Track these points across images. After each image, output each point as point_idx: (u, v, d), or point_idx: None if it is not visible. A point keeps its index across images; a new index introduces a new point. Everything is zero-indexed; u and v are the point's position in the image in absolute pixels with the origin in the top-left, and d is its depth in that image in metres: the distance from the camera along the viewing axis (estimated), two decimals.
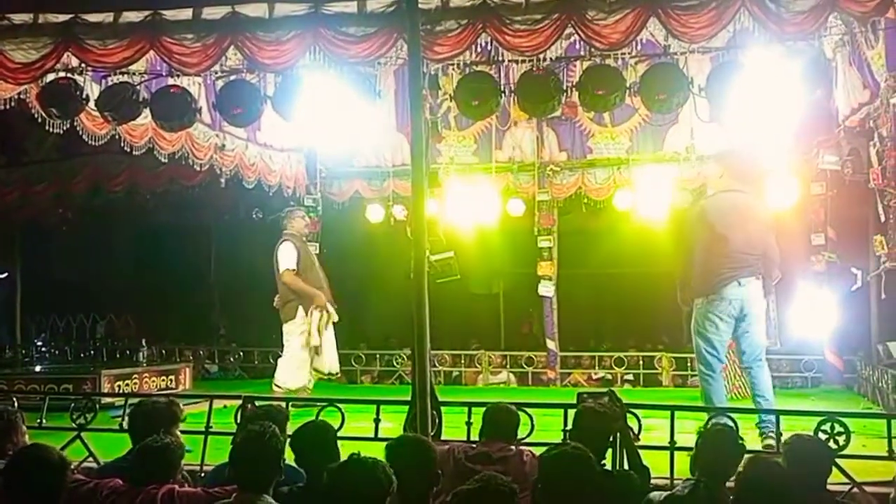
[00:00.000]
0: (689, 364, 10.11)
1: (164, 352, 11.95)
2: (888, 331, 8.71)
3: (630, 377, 10.89)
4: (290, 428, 5.17)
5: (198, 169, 9.07)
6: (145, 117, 7.13)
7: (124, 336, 13.71)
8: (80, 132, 7.43)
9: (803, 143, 9.54)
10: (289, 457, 4.69)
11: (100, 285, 13.69)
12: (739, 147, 7.42)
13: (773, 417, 6.12)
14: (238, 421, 5.65)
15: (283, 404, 5.54)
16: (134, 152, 8.10)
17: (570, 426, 5.30)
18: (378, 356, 11.77)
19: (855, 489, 4.73)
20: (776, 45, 6.03)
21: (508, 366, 11.34)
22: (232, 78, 6.71)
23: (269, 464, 3.83)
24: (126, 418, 5.87)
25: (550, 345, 10.77)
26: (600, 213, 11.16)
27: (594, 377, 11.22)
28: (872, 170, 7.63)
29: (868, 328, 9.68)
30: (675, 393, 9.71)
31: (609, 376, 10.98)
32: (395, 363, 11.57)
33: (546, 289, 10.59)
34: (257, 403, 5.69)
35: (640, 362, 10.85)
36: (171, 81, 6.82)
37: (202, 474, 5.40)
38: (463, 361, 11.38)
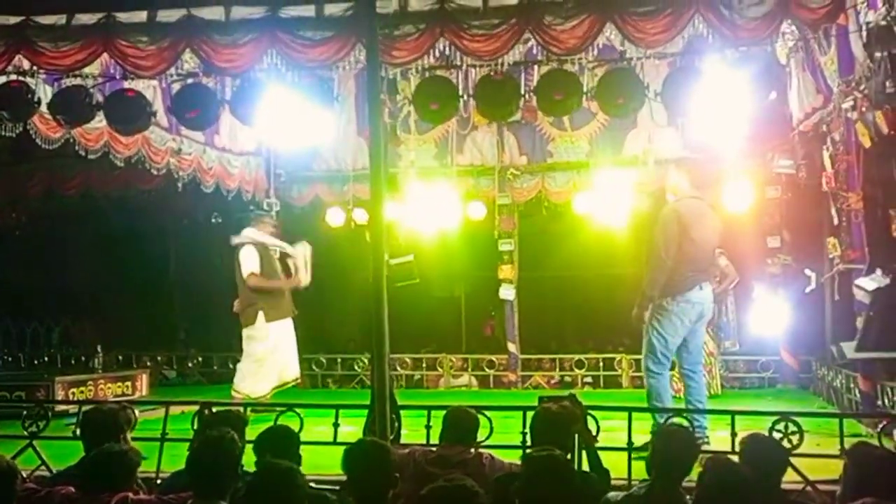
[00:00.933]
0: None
1: (120, 358, 11.79)
2: (842, 331, 8.80)
3: (590, 379, 10.94)
4: (249, 433, 5.19)
5: (155, 173, 8.99)
6: (99, 121, 7.05)
7: (80, 342, 13.47)
8: (34, 135, 7.32)
9: (758, 148, 9.69)
10: (249, 462, 4.70)
11: (55, 291, 13.44)
12: (695, 154, 7.48)
13: (706, 423, 6.23)
14: (195, 427, 5.63)
15: (242, 409, 5.48)
16: (89, 156, 7.99)
17: (525, 428, 5.38)
18: (340, 360, 11.69)
19: (808, 487, 4.80)
20: (730, 51, 6.11)
21: (470, 369, 11.35)
22: (188, 81, 6.63)
23: (227, 470, 3.78)
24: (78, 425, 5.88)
25: (511, 348, 10.82)
26: (560, 217, 11.22)
27: (553, 381, 11.27)
28: (825, 173, 7.76)
29: (822, 329, 9.82)
30: (634, 394, 9.76)
31: (569, 378, 11.03)
32: (356, 367, 11.52)
33: (507, 292, 10.63)
34: (215, 409, 5.67)
35: (601, 364, 10.90)
36: (126, 85, 6.73)
37: (158, 481, 5.35)
38: (424, 365, 11.36)
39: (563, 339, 13.75)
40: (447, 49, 6.01)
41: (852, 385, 7.82)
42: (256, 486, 3.33)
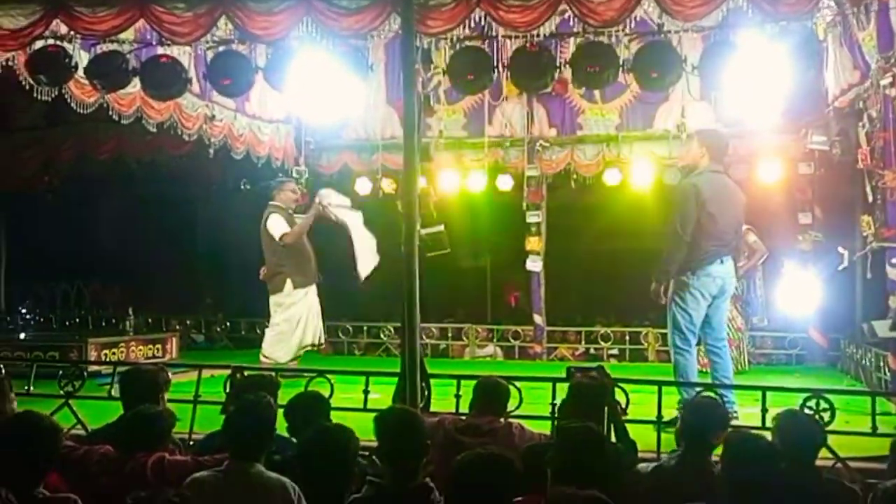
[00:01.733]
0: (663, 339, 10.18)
1: (150, 321, 11.92)
2: (872, 310, 8.75)
3: (615, 352, 10.95)
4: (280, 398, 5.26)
5: (186, 139, 9.04)
6: (134, 86, 7.09)
7: (110, 305, 13.66)
8: (69, 100, 7.38)
9: (792, 124, 9.59)
10: (280, 426, 4.78)
11: (86, 253, 13.57)
12: (716, 127, 7.39)
13: (734, 398, 6.22)
14: (227, 390, 5.71)
15: (274, 374, 5.55)
16: (122, 121, 8.05)
17: (557, 400, 5.41)
18: (365, 328, 11.76)
19: (839, 464, 4.80)
20: (770, 25, 6.02)
21: (495, 340, 11.39)
22: (222, 48, 6.64)
23: (262, 433, 3.85)
24: (115, 386, 5.98)
25: (537, 319, 10.82)
26: (589, 190, 11.17)
27: (578, 353, 11.29)
28: (861, 150, 7.67)
29: (852, 307, 9.77)
30: (660, 368, 9.75)
31: (595, 351, 11.05)
32: (382, 335, 11.59)
33: (534, 264, 10.62)
34: (248, 373, 5.76)
35: (627, 338, 10.90)
36: (160, 51, 6.76)
37: (191, 442, 5.45)
38: (450, 334, 11.40)
39: (587, 311, 13.73)
40: (481, 20, 5.98)
41: (881, 363, 7.78)
42: (312, 446, 3.39)
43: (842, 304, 9.66)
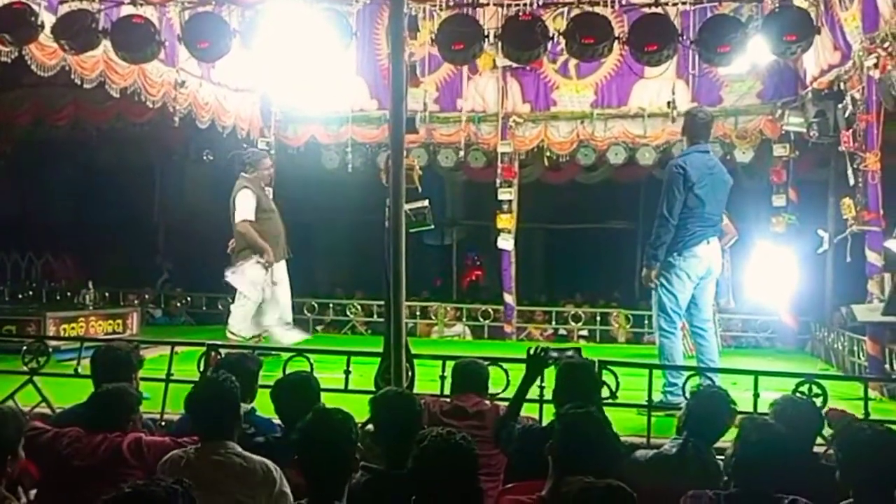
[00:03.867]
0: (645, 321, 10.14)
1: (107, 295, 11.53)
2: (843, 293, 8.82)
3: (585, 333, 10.89)
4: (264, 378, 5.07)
5: (150, 106, 8.68)
6: (100, 48, 6.75)
7: (62, 277, 13.21)
8: (29, 62, 7.00)
9: (769, 104, 9.56)
10: (262, 408, 4.58)
11: (37, 223, 13.14)
12: (700, 106, 7.31)
13: (718, 382, 6.15)
14: (201, 369, 5.49)
15: (254, 352, 5.33)
16: (84, 85, 7.68)
17: (545, 383, 5.27)
18: (331, 306, 11.53)
19: (832, 450, 4.74)
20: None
21: (464, 319, 11.25)
22: (199, 10, 6.33)
23: (228, 412, 3.74)
24: (80, 363, 5.71)
25: (508, 298, 10.68)
26: (562, 167, 11.05)
27: (547, 333, 11.21)
28: (843, 132, 7.64)
29: (822, 291, 9.82)
30: (630, 350, 9.74)
31: (564, 332, 10.97)
32: (348, 313, 11.38)
33: (505, 242, 10.46)
34: (229, 350, 5.55)
35: (597, 318, 10.84)
36: (132, 11, 6.42)
37: (162, 423, 5.24)
38: (417, 313, 11.23)
39: (552, 291, 13.70)
40: None
41: (856, 348, 7.80)
42: (311, 431, 3.25)
43: (812, 287, 9.70)
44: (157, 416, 5.34)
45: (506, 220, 10.47)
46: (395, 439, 3.68)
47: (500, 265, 10.82)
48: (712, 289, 6.58)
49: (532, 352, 4.66)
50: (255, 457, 3.61)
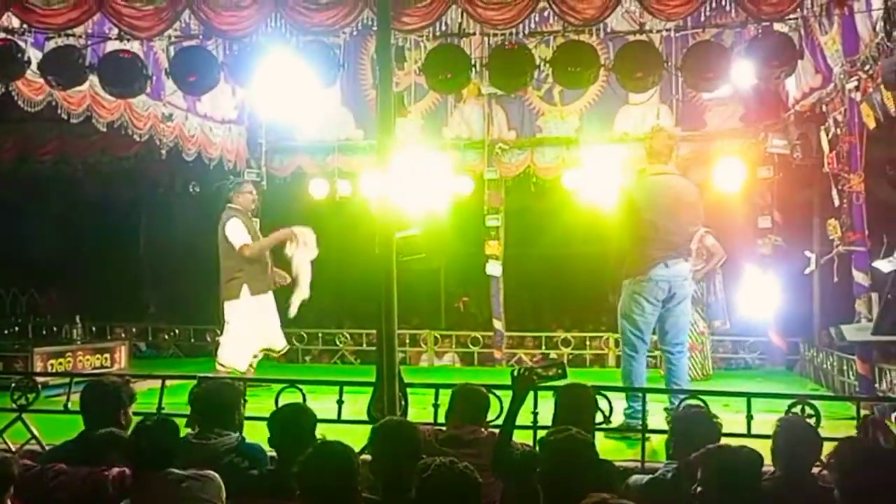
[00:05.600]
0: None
1: (94, 329, 11.45)
2: (830, 314, 8.86)
3: (572, 357, 10.87)
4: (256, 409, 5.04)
5: (137, 139, 8.68)
6: (87, 83, 6.76)
7: (47, 312, 13.09)
8: (15, 97, 7.00)
9: (751, 127, 9.65)
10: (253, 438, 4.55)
11: (21, 258, 13.00)
12: (662, 127, 7.37)
13: None
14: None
15: (234, 382, 5.30)
16: (71, 119, 7.69)
17: (540, 409, 5.27)
18: (320, 335, 11.49)
19: (825, 471, 4.76)
20: (751, 27, 6.01)
21: (454, 346, 11.22)
22: (186, 44, 6.35)
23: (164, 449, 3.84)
24: (70, 398, 5.67)
25: (497, 325, 10.68)
26: (547, 193, 11.09)
27: (537, 359, 11.15)
28: (827, 154, 7.72)
29: (810, 311, 9.86)
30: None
31: (555, 356, 10.93)
32: (337, 342, 11.34)
33: (494, 268, 10.48)
34: (208, 381, 5.52)
35: (586, 343, 10.83)
36: (118, 46, 6.43)
37: None
38: (407, 341, 11.20)
39: (540, 317, 13.67)
40: (460, 16, 5.81)
41: (845, 367, 7.84)
42: (314, 464, 3.26)
43: (800, 307, 9.74)
44: None
45: (494, 247, 10.51)
46: (395, 469, 3.65)
47: (488, 291, 10.81)
48: (681, 311, 6.56)
49: (516, 373, 4.65)
50: (196, 472, 3.71)
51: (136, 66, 6.24)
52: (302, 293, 8.28)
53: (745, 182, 9.73)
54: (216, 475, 3.75)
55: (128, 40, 6.29)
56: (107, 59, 6.32)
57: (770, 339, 9.98)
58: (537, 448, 4.51)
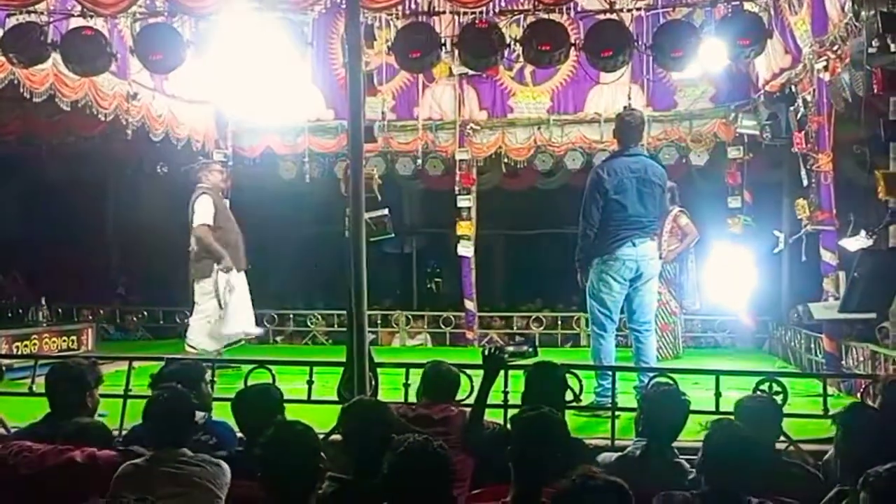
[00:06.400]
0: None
1: (60, 311, 11.30)
2: (799, 292, 8.96)
3: (544, 337, 10.90)
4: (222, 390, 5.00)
5: (102, 119, 8.53)
6: (50, 61, 6.61)
7: (13, 294, 12.89)
8: None
9: (722, 108, 9.68)
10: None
11: None
12: (630, 108, 7.39)
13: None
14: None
15: (196, 363, 5.27)
16: (34, 99, 7.52)
17: (510, 388, 5.28)
18: (291, 316, 11.43)
19: (791, 447, 4.81)
20: (721, 6, 6.01)
21: (426, 326, 11.22)
22: (152, 21, 6.23)
23: (179, 421, 3.84)
24: (35, 381, 5.60)
25: (469, 305, 10.67)
26: (520, 173, 11.08)
27: (507, 339, 11.19)
28: (796, 134, 7.76)
29: (779, 290, 9.95)
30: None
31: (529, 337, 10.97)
32: (309, 323, 11.28)
33: (465, 249, 10.45)
34: (173, 362, 5.46)
35: (559, 322, 10.86)
36: (82, 23, 6.29)
37: (120, 438, 5.14)
38: (378, 322, 11.18)
39: (512, 296, 13.72)
40: None
41: (813, 345, 7.92)
42: (274, 445, 3.24)
43: (769, 286, 9.82)
44: (116, 433, 5.24)
45: (465, 227, 10.47)
46: (366, 449, 3.64)
47: (460, 272, 10.80)
48: (648, 290, 6.61)
49: (487, 352, 4.66)
50: (203, 458, 3.68)
51: (99, 44, 6.11)
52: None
53: (716, 162, 9.76)
54: (227, 469, 3.71)
55: (91, 17, 6.16)
56: (69, 37, 6.18)
57: (739, 318, 10.05)
58: (508, 426, 4.55)
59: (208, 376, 5.48)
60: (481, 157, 10.54)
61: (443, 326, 11.00)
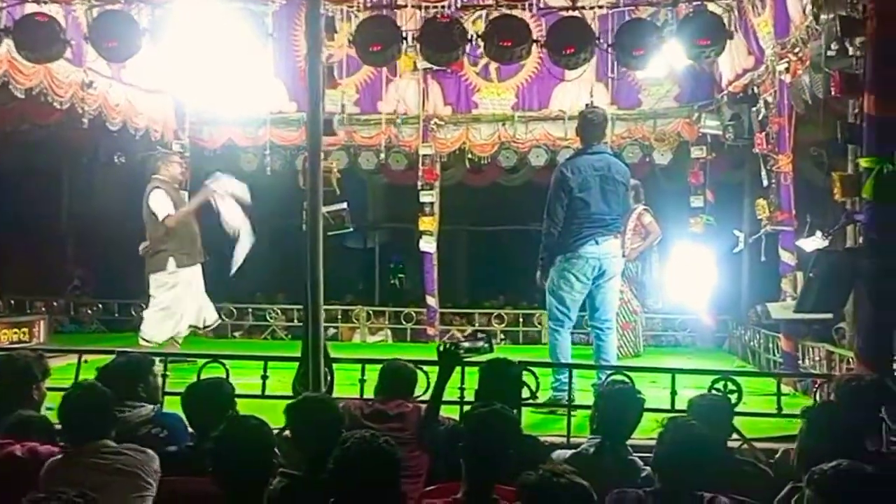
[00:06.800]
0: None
1: (12, 302, 11.07)
2: (759, 292, 9.02)
3: (506, 333, 10.91)
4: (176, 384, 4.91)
5: (57, 107, 8.35)
6: (5, 47, 6.46)
7: None
8: None
9: (686, 107, 9.72)
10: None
11: None
12: (592, 106, 7.39)
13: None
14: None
15: (147, 355, 5.18)
16: None
17: (467, 384, 5.24)
18: (250, 310, 11.30)
19: (745, 445, 4.83)
20: (682, 5, 6.01)
21: (387, 321, 11.15)
22: (107, 8, 6.09)
23: (97, 416, 3.80)
24: None
25: (431, 301, 10.62)
26: (483, 170, 11.05)
27: (468, 334, 11.12)
28: (757, 135, 7.81)
29: (739, 289, 10.01)
30: None
31: (486, 333, 10.94)
32: (268, 318, 11.16)
33: (427, 244, 10.39)
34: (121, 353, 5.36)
35: (520, 319, 10.86)
36: (35, 9, 6.14)
37: None
38: (339, 317, 11.09)
39: (474, 293, 13.70)
40: None
41: (771, 345, 7.98)
42: (226, 440, 3.20)
43: (729, 286, 9.88)
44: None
45: (428, 223, 10.40)
46: (314, 445, 3.60)
47: (422, 268, 10.75)
48: (610, 287, 6.61)
49: (443, 348, 4.61)
50: (129, 449, 3.67)
51: (52, 31, 5.97)
52: (244, 245, 7.99)
53: (679, 161, 9.80)
54: (155, 455, 3.70)
55: (45, 3, 6.01)
56: (22, 23, 6.04)
57: (700, 317, 10.10)
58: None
59: (160, 369, 5.44)
60: (445, 152, 10.49)
61: (404, 322, 10.94)
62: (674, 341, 10.52)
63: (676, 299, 9.75)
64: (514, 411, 4.53)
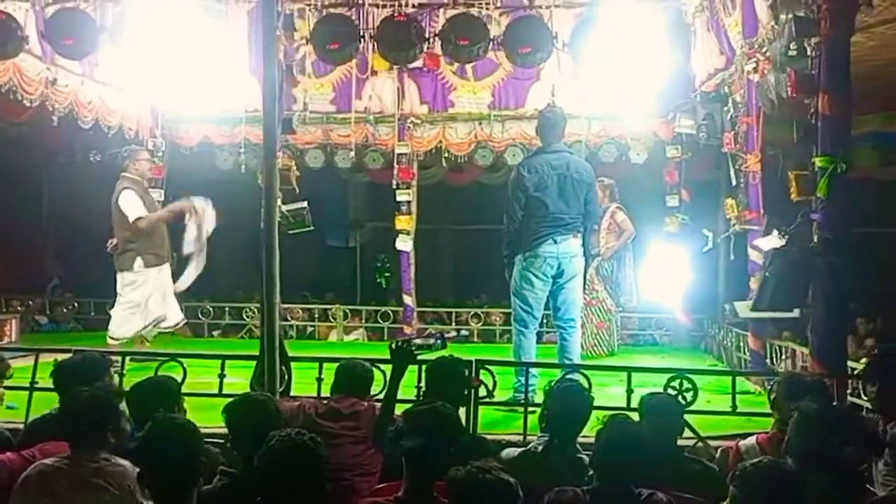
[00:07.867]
0: (545, 321, 10.17)
1: None
2: (734, 291, 9.00)
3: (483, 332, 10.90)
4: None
5: (27, 105, 8.30)
6: None
7: None
8: None
9: (661, 107, 9.67)
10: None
11: None
12: (551, 105, 7.36)
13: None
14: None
15: (104, 354, 5.14)
16: None
17: (421, 382, 5.22)
18: (228, 309, 11.27)
19: (699, 443, 4.83)
20: (642, 5, 5.99)
21: (364, 321, 11.13)
22: (63, 5, 6.06)
23: (100, 420, 3.65)
24: None
25: (407, 300, 10.58)
26: (460, 169, 11.02)
27: (449, 335, 11.11)
28: (726, 134, 7.80)
29: (715, 288, 10.01)
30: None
31: (466, 332, 10.96)
32: (244, 316, 11.13)
33: (404, 243, 10.36)
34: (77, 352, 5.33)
35: (497, 319, 10.84)
36: None
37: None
38: (316, 316, 11.06)
39: (458, 292, 13.68)
40: None
41: (742, 343, 7.98)
42: (151, 440, 3.19)
43: (705, 285, 9.87)
44: (23, 426, 5.10)
45: (405, 222, 10.36)
46: (249, 444, 3.54)
47: (399, 267, 10.72)
48: (572, 287, 6.60)
49: (395, 346, 4.59)
50: (121, 462, 3.55)
51: (9, 27, 5.94)
52: (196, 268, 7.97)
53: (654, 161, 9.78)
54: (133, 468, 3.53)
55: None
56: None
57: (675, 317, 10.09)
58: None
59: (118, 368, 5.43)
60: (422, 151, 10.43)
61: (381, 321, 10.92)
62: (651, 340, 10.52)
63: (652, 298, 9.72)
64: (462, 409, 4.55)
